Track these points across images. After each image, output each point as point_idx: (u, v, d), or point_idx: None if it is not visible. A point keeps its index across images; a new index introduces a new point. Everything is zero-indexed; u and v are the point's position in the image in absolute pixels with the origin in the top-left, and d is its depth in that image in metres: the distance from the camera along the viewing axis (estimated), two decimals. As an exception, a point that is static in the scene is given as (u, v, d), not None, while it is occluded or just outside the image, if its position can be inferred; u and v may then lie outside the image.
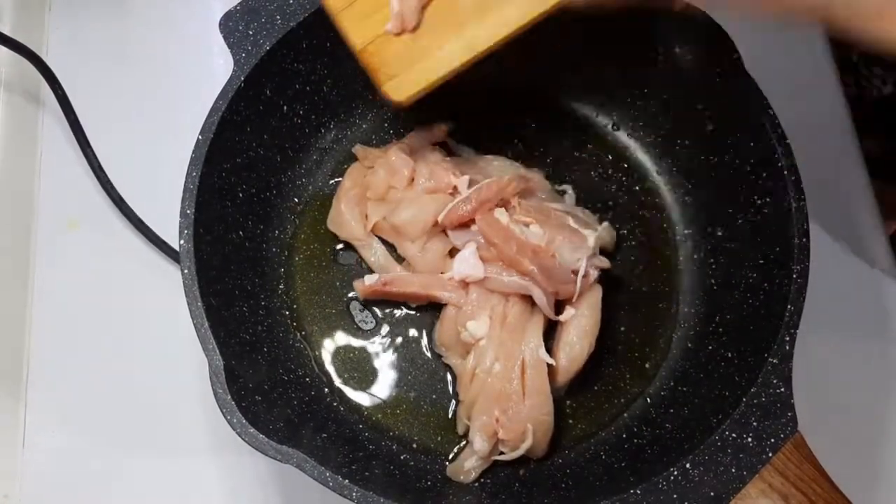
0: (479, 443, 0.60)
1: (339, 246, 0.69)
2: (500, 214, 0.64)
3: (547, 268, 0.62)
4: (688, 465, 0.53)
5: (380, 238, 0.68)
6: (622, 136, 0.73)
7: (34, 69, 0.75)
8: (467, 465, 0.61)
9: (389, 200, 0.67)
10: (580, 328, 0.62)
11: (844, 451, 0.62)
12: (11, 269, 0.72)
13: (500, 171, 0.69)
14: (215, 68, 0.79)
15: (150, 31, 0.83)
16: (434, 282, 0.64)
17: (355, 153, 0.71)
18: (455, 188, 0.66)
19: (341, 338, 0.66)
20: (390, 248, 0.68)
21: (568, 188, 0.70)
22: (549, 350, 0.61)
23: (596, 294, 0.63)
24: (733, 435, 0.53)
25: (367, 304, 0.67)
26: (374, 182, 0.68)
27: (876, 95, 0.81)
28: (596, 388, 0.65)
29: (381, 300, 0.67)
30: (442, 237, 0.66)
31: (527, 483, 0.61)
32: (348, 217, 0.68)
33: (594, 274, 0.63)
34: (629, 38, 0.68)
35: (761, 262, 0.61)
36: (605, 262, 0.64)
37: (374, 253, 0.68)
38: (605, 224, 0.67)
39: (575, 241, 0.63)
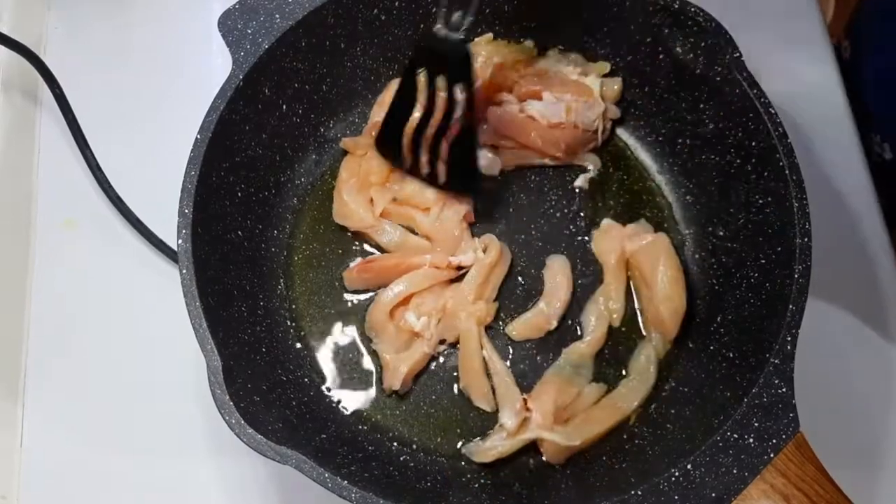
0: (507, 417, 0.61)
1: (339, 247, 0.69)
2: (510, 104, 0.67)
3: (568, 143, 0.67)
4: (689, 466, 0.52)
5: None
6: (622, 136, 0.72)
7: (32, 68, 0.75)
8: (488, 444, 0.61)
9: (392, 182, 0.68)
10: (668, 278, 0.64)
11: (846, 452, 0.63)
12: (9, 269, 0.72)
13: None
14: (214, 67, 0.79)
15: (149, 30, 0.82)
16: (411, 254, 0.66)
17: (344, 146, 0.71)
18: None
19: (340, 338, 0.66)
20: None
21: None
22: (642, 312, 0.66)
23: (663, 241, 0.66)
24: (735, 435, 0.53)
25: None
26: (373, 168, 0.68)
27: (877, 161, 0.82)
28: (596, 388, 0.65)
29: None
30: (454, 204, 0.67)
31: (527, 483, 0.61)
32: (354, 206, 0.68)
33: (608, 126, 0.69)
34: (629, 38, 0.68)
35: (762, 261, 0.61)
36: (617, 112, 0.69)
37: (388, 234, 0.67)
38: (617, 79, 0.70)
39: (586, 98, 0.68)
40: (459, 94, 0.62)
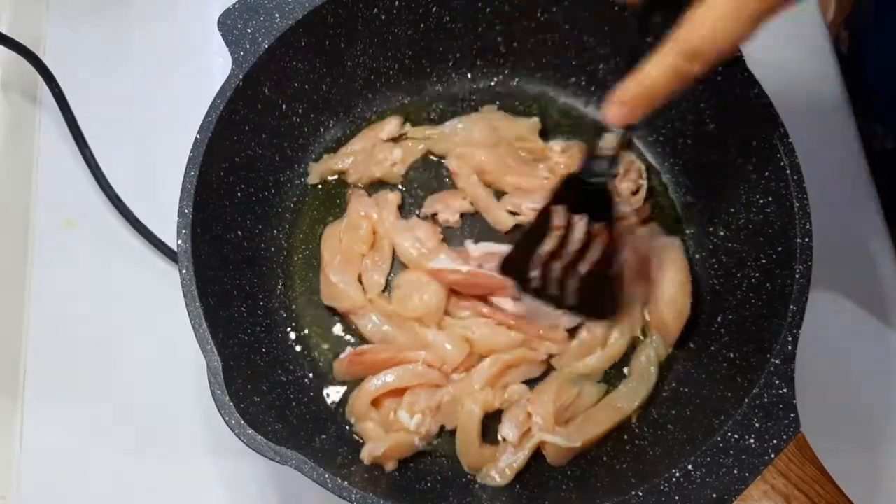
0: (509, 429, 0.60)
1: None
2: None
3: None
4: (690, 467, 0.52)
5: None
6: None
7: (31, 68, 0.75)
8: (502, 465, 0.60)
9: (379, 248, 0.67)
10: (676, 282, 0.63)
11: (847, 452, 0.62)
12: (8, 269, 0.71)
13: None
14: (214, 67, 0.79)
15: (148, 29, 0.82)
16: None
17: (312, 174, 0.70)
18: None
19: (340, 339, 0.66)
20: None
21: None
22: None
23: (674, 245, 0.65)
24: (735, 436, 0.52)
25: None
26: (354, 238, 0.66)
27: (878, 149, 0.82)
28: (597, 388, 0.64)
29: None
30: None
31: (527, 484, 0.60)
32: (343, 286, 0.65)
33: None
34: (629, 36, 0.67)
35: (763, 261, 0.61)
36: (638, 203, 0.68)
37: (371, 320, 0.64)
38: None
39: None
40: (599, 231, 0.61)
